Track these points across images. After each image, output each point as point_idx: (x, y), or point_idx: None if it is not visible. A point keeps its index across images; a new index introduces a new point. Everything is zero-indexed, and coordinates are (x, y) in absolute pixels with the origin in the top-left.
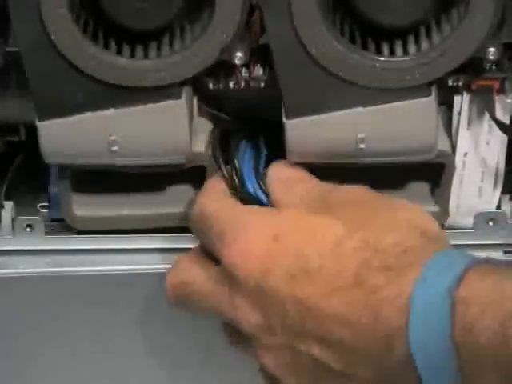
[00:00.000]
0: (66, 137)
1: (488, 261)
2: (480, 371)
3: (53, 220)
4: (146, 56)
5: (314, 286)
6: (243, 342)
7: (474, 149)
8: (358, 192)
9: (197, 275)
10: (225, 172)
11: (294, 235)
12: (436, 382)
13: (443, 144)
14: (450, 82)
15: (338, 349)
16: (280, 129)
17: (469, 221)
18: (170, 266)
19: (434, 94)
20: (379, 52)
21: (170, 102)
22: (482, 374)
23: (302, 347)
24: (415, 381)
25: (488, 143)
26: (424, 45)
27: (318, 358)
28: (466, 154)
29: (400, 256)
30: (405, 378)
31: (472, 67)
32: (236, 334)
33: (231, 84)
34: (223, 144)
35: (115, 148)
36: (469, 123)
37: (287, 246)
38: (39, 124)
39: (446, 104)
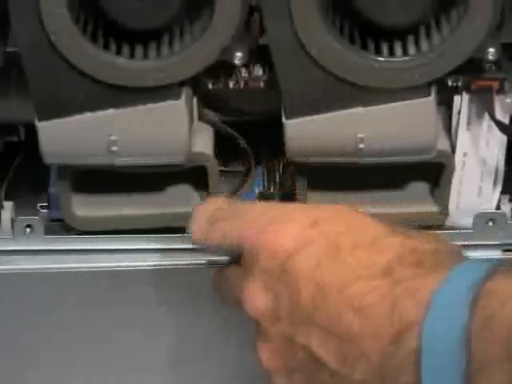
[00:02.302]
0: (65, 137)
1: None
2: (491, 365)
3: (53, 220)
4: (145, 56)
5: (337, 274)
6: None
7: (474, 149)
8: None
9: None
10: None
11: (331, 225)
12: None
13: (443, 144)
14: (449, 82)
15: (340, 340)
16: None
17: (468, 221)
18: (170, 264)
19: (433, 94)
20: (379, 52)
21: (170, 102)
22: (492, 368)
23: (301, 339)
24: None
25: (487, 143)
26: (423, 45)
27: (315, 352)
28: (465, 154)
29: (432, 256)
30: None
31: (471, 67)
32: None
33: (231, 84)
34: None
35: (115, 148)
36: (468, 123)
37: (322, 233)
38: (39, 124)
39: (445, 104)
